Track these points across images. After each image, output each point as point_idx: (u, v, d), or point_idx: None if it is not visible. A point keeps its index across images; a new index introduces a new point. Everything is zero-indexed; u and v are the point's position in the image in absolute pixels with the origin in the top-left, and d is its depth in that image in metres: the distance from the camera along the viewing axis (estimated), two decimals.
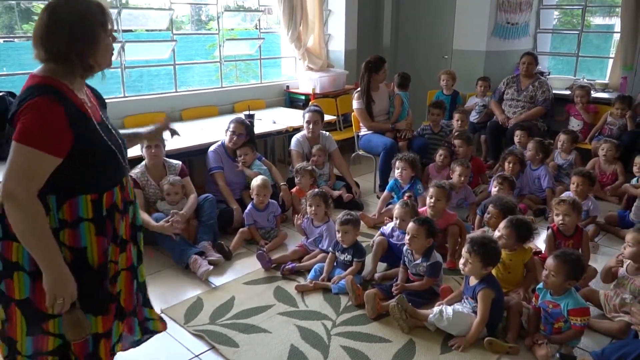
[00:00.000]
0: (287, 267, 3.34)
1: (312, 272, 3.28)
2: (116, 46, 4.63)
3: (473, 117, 5.83)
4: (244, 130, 4.18)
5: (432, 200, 3.50)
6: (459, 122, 5.29)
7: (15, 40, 12.39)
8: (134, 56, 4.91)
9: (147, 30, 6.02)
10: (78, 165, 1.64)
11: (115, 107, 4.66)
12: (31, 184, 1.55)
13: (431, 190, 3.54)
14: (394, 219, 3.40)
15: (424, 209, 3.65)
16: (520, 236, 2.94)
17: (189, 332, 2.72)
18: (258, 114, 4.94)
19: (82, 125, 1.65)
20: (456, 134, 4.88)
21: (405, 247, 3.10)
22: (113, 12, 4.56)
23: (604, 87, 5.96)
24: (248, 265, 3.48)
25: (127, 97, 4.81)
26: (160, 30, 5.20)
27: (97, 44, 1.65)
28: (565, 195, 3.52)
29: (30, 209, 1.55)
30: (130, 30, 6.10)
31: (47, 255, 1.60)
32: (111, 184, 1.79)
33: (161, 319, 2.25)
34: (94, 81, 1.83)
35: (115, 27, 4.52)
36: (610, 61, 6.16)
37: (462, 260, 2.69)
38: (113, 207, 1.80)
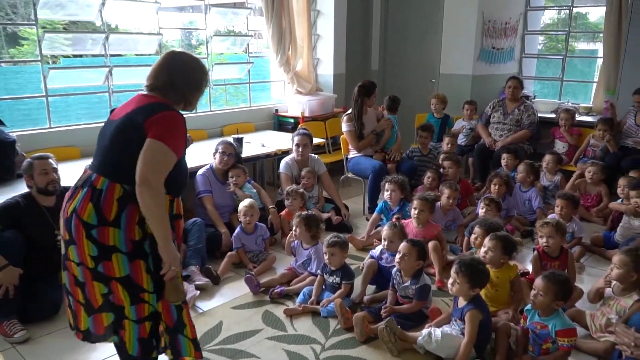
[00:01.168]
0: (275, 290, 3.32)
1: (300, 296, 3.26)
2: (104, 70, 4.67)
3: (460, 139, 5.90)
4: (232, 150, 4.21)
5: (416, 212, 3.74)
6: (449, 146, 5.35)
7: (2, 65, 12.39)
8: (122, 80, 4.93)
9: (136, 55, 6.04)
10: (172, 170, 1.99)
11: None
12: (161, 174, 1.93)
13: (415, 202, 3.76)
14: (383, 240, 3.41)
15: (409, 220, 3.81)
16: (505, 248, 2.99)
17: None
18: (247, 137, 4.96)
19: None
20: (445, 155, 4.92)
21: (394, 270, 3.10)
22: (100, 37, 4.60)
23: (588, 111, 6.06)
24: (236, 290, 3.46)
25: None
26: (149, 55, 5.24)
27: (199, 90, 2.17)
28: (550, 217, 3.56)
29: (161, 194, 1.93)
30: (119, 55, 6.14)
31: (167, 233, 1.97)
32: (179, 192, 2.15)
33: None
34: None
35: (103, 52, 4.64)
36: (594, 85, 6.28)
37: (450, 281, 2.71)
38: (180, 214, 2.17)
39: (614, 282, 2.85)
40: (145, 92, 2.09)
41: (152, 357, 2.22)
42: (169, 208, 2.06)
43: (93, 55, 5.17)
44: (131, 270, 2.00)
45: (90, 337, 2.15)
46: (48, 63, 4.61)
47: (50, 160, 3.17)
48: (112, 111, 2.12)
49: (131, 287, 2.02)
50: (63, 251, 2.05)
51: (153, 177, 1.89)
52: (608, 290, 2.88)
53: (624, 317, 2.60)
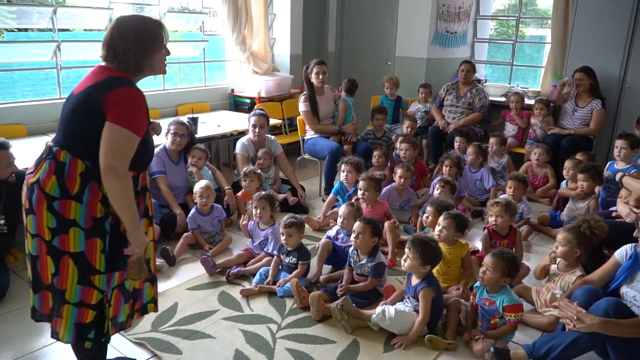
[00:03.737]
0: (232, 271, 3.32)
1: (257, 276, 3.27)
2: (51, 45, 4.48)
3: None
4: (185, 131, 4.13)
5: (362, 192, 3.81)
6: (409, 129, 5.42)
7: None
8: (71, 56, 4.75)
9: (85, 30, 5.81)
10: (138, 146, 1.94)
11: (51, 108, 4.48)
12: (127, 159, 1.89)
13: (360, 183, 3.83)
14: (339, 217, 3.45)
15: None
16: (459, 226, 3.11)
17: (129, 341, 2.65)
18: (202, 117, 4.88)
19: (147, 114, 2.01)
20: (402, 138, 4.98)
21: (351, 248, 3.15)
22: (48, 10, 4.40)
23: (537, 95, 6.25)
24: (192, 271, 3.43)
25: (63, 98, 4.61)
26: (99, 30, 5.06)
27: (149, 52, 1.99)
28: (501, 197, 3.68)
29: (128, 180, 1.91)
30: (67, 30, 5.90)
31: (134, 217, 1.96)
32: (145, 166, 2.13)
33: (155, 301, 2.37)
34: None
35: (51, 26, 4.45)
36: (542, 70, 6.48)
37: (404, 257, 2.78)
38: (145, 187, 2.15)
39: (558, 259, 2.99)
40: (103, 63, 1.99)
41: (86, 346, 2.10)
42: (134, 184, 2.00)
43: (40, 30, 4.95)
44: (86, 247, 1.95)
45: (35, 314, 2.10)
46: None
47: (10, 150, 3.09)
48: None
49: (82, 265, 1.96)
50: (24, 220, 1.99)
51: (118, 164, 1.85)
52: (553, 267, 3.02)
53: (568, 292, 2.72)
